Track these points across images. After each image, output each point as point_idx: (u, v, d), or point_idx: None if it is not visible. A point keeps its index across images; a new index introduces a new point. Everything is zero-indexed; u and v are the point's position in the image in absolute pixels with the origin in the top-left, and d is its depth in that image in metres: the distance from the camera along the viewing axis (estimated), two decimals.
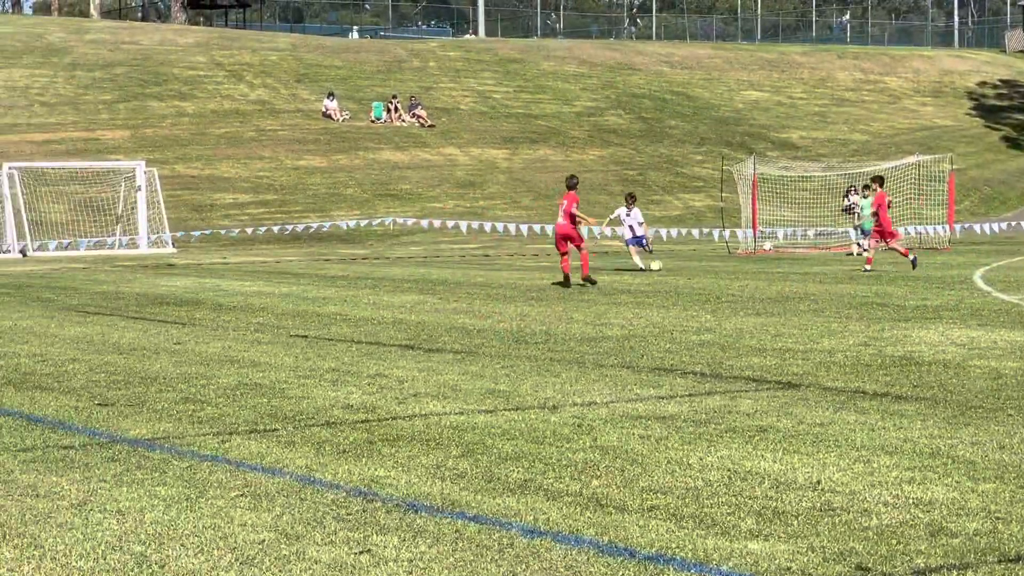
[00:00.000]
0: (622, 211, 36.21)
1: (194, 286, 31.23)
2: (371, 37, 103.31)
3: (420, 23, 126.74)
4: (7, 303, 27.00)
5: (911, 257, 33.82)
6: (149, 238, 52.58)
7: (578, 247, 29.81)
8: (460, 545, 8.18)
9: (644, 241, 36.10)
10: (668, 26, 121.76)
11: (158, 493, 9.65)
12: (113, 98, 72.36)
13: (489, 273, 35.00)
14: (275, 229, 55.13)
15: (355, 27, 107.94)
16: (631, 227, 35.98)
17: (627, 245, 36.56)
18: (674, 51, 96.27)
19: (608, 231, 47.32)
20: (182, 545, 8.30)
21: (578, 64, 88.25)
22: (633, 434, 11.50)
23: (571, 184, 29.97)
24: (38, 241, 50.95)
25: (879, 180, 35.08)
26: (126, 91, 73.55)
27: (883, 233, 33.99)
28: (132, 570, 7.82)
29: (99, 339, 19.84)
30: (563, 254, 29.85)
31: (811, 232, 52.88)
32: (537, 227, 54.28)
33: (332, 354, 17.55)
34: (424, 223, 56.58)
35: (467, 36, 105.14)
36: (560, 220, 29.78)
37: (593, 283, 29.27)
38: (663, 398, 13.46)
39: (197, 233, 54.21)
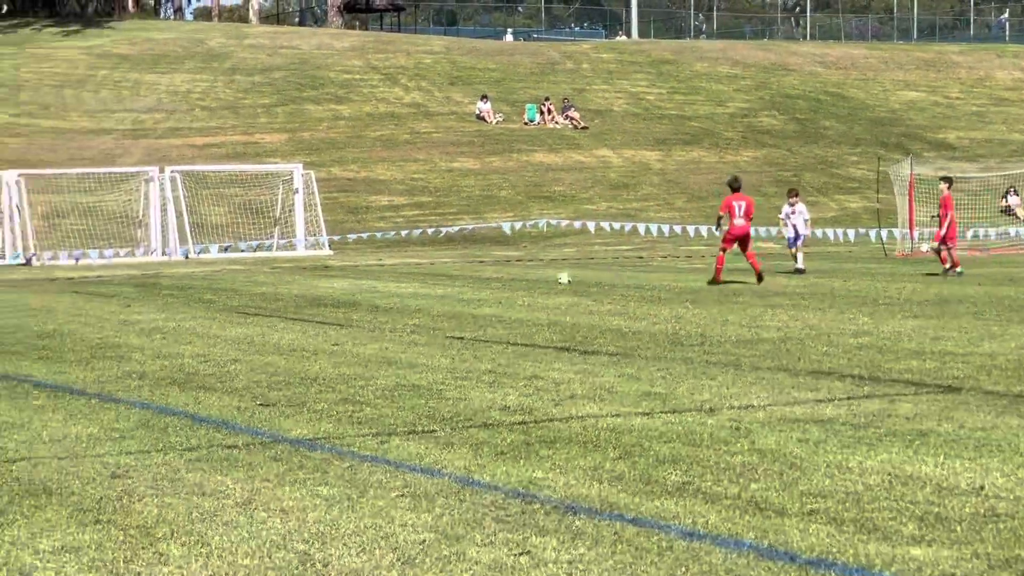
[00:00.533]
0: (786, 209, 35.49)
1: (351, 288, 31.55)
2: (524, 39, 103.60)
3: (573, 25, 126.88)
4: (171, 304, 27.51)
5: (949, 267, 32.86)
6: (306, 240, 53.21)
7: (744, 248, 30.77)
8: (619, 547, 8.21)
9: (799, 242, 34.92)
10: (823, 26, 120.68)
11: (320, 492, 9.80)
12: (271, 102, 73.35)
13: (643, 275, 34.96)
14: (430, 231, 55.51)
15: (509, 29, 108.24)
16: (794, 225, 34.94)
17: (789, 247, 35.52)
18: (828, 51, 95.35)
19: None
20: (344, 544, 8.42)
21: (731, 65, 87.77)
22: (791, 437, 11.45)
23: (739, 186, 31.19)
24: (200, 244, 51.79)
25: (948, 181, 34.12)
26: (284, 95, 74.52)
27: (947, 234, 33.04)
28: (296, 568, 7.95)
29: (259, 340, 20.15)
30: (724, 251, 30.59)
31: (968, 234, 52.10)
32: (691, 229, 54.08)
33: (488, 356, 17.65)
34: (577, 224, 56.65)
35: (619, 38, 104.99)
36: (741, 221, 30.52)
37: (760, 280, 30.36)
38: (821, 401, 13.37)
39: (353, 236, 54.76)
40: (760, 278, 30.26)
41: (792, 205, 35.25)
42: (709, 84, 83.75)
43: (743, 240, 30.90)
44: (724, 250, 31.07)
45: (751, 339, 19.01)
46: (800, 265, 34.58)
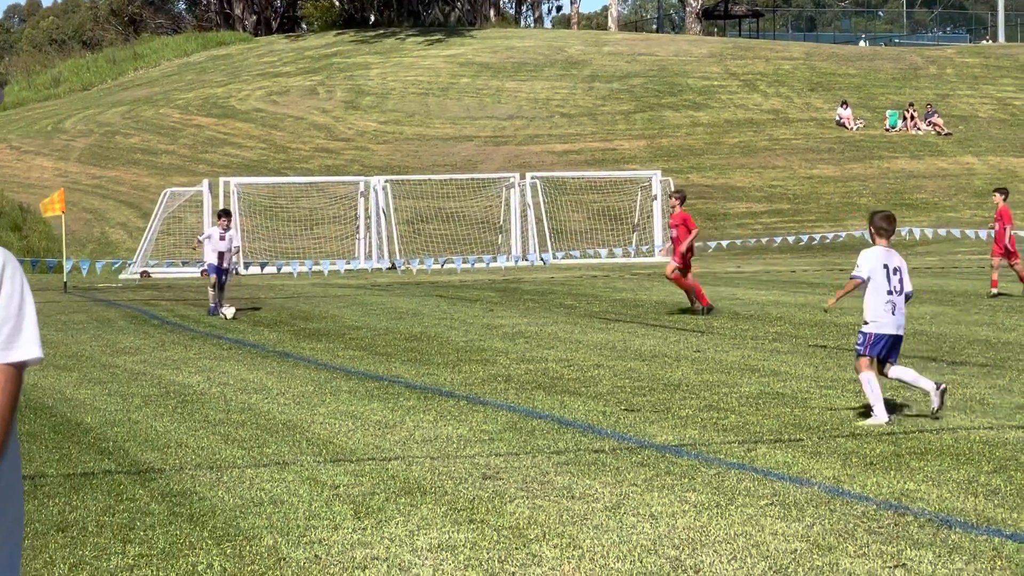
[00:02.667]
0: None
1: (710, 295, 31.37)
2: (885, 44, 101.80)
3: (935, 29, 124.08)
4: (533, 309, 27.88)
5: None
6: (664, 246, 53.31)
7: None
8: (999, 564, 7.99)
9: None
10: None
11: (688, 499, 9.81)
12: (630, 108, 73.77)
13: (1010, 285, 33.91)
14: (789, 239, 55.01)
15: (862, 35, 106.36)
16: None
17: None
18: None
19: None
20: (715, 551, 8.41)
21: None
22: None
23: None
24: (560, 251, 52.44)
25: (1003, 192, 30.13)
26: (642, 102, 74.86)
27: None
28: (668, 574, 7.98)
29: (621, 345, 20.24)
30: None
31: None
32: None
33: (852, 365, 17.37)
34: (942, 232, 55.37)
35: (985, 42, 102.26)
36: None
37: None
38: None
39: (713, 244, 54.67)
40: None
41: None
42: None
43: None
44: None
45: None
46: None
